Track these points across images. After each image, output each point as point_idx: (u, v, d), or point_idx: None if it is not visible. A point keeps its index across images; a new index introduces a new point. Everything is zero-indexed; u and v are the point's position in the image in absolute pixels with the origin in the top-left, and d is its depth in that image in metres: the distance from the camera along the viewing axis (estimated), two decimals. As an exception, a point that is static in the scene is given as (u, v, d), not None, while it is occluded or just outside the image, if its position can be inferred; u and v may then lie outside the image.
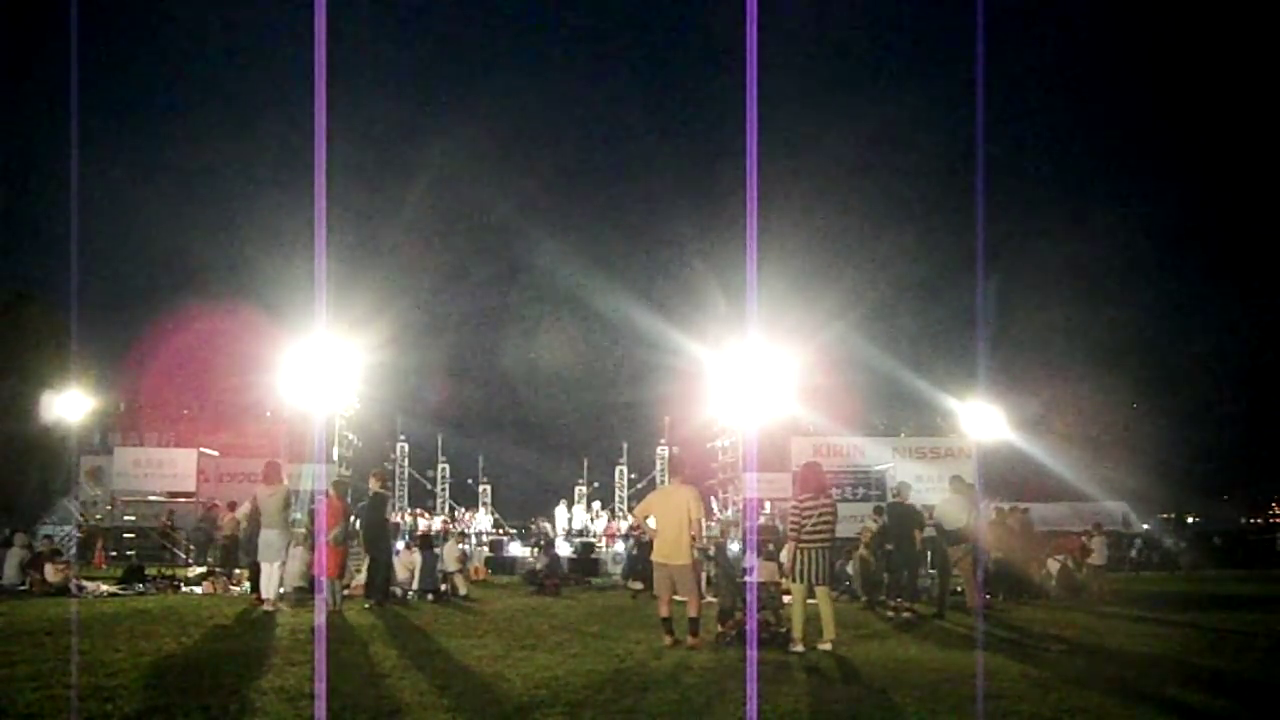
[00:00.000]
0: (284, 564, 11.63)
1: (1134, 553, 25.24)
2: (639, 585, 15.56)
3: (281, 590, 11.41)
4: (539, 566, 17.05)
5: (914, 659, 7.92)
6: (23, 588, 13.57)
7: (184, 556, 21.04)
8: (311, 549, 12.57)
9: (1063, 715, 5.66)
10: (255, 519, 12.39)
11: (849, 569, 15.00)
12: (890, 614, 11.98)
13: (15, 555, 14.24)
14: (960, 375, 28.38)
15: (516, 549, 25.45)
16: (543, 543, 21.37)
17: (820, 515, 8.71)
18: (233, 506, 17.09)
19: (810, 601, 8.66)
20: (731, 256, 34.18)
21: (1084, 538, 17.15)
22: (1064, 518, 23.46)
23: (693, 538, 8.73)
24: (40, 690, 5.89)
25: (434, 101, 59.09)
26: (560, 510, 30.12)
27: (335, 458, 25.31)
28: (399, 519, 26.06)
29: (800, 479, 9.24)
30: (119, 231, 40.98)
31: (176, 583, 14.90)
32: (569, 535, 26.74)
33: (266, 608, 10.94)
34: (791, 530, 8.86)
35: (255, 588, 12.36)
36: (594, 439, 38.27)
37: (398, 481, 33.99)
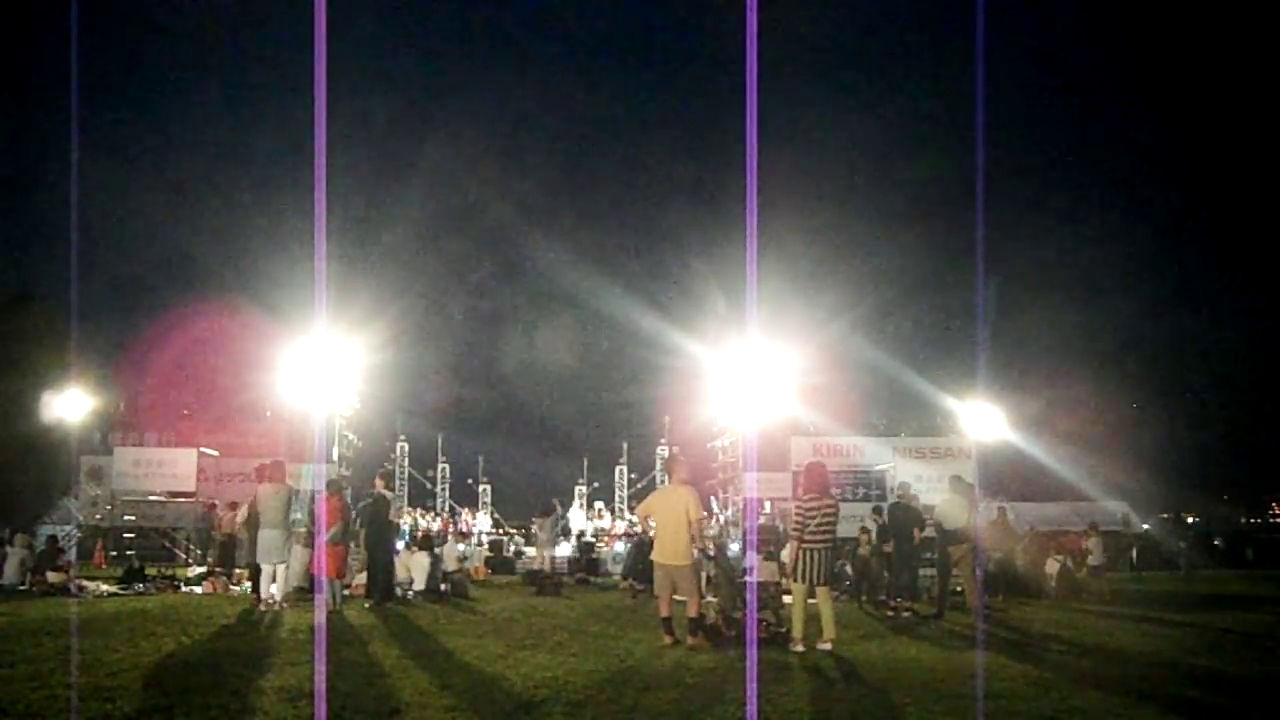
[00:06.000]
0: (286, 564, 11.65)
1: (1134, 552, 25.23)
2: (639, 585, 15.58)
3: (274, 592, 11.38)
4: (539, 565, 17.07)
5: (914, 659, 7.91)
6: (23, 588, 13.57)
7: (184, 557, 21.06)
8: (312, 548, 12.58)
9: (1062, 715, 5.66)
10: (255, 519, 12.38)
11: (849, 569, 15.01)
12: (890, 614, 11.98)
13: (16, 555, 14.25)
14: (960, 375, 28.36)
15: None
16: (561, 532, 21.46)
17: (824, 515, 8.71)
18: (233, 506, 17.08)
19: (810, 601, 8.66)
20: (731, 256, 34.18)
21: (1083, 538, 17.16)
22: (1064, 518, 23.44)
23: (692, 538, 8.74)
24: (40, 690, 5.89)
25: (434, 101, 59.08)
26: (574, 511, 30.26)
27: (335, 458, 25.31)
28: (401, 520, 26.06)
29: (804, 478, 9.23)
30: (119, 231, 40.99)
31: (176, 583, 14.91)
32: (581, 535, 26.76)
33: (262, 607, 10.94)
34: (795, 530, 8.85)
35: (255, 588, 12.37)
36: (594, 439, 38.29)
37: (398, 481, 34.01)
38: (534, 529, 19.52)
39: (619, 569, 19.72)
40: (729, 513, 28.37)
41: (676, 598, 8.86)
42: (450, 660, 7.55)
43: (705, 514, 9.09)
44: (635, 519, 27.86)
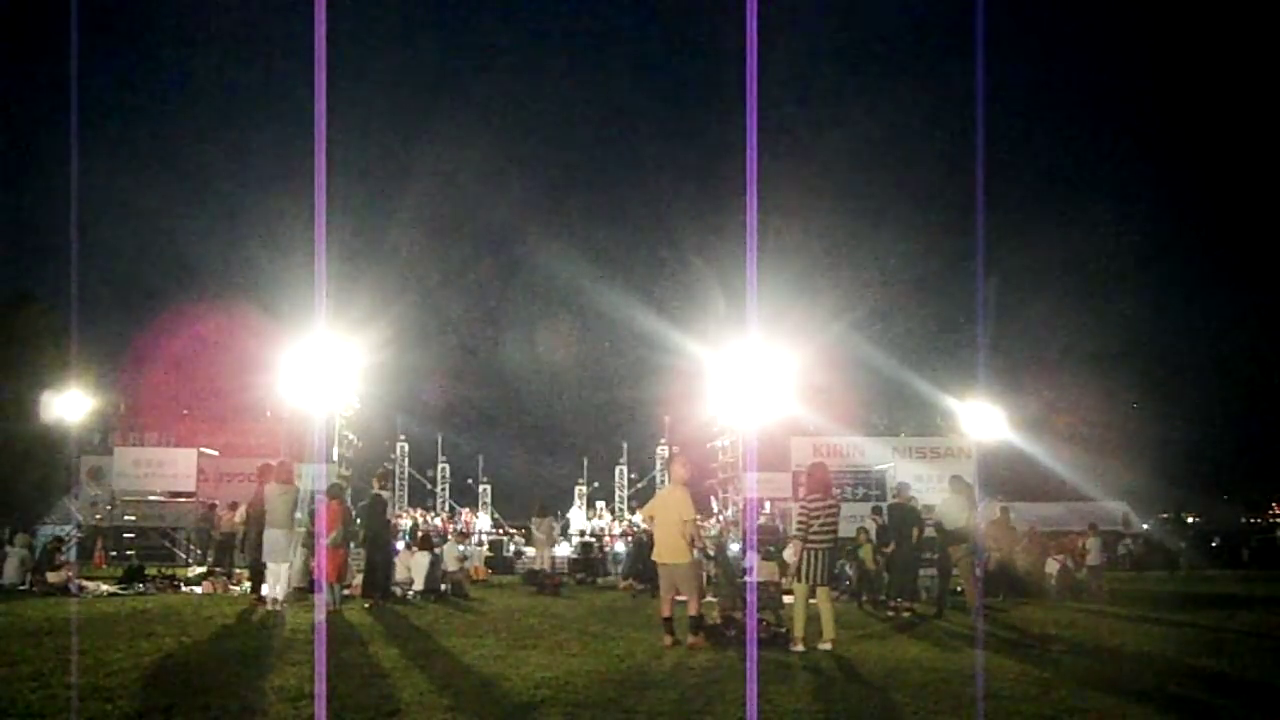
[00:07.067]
0: (290, 564, 11.68)
1: (1132, 551, 25.24)
2: (640, 585, 15.59)
3: (276, 591, 11.38)
4: (539, 565, 17.07)
5: (914, 659, 7.91)
6: (23, 588, 13.57)
7: (184, 557, 21.07)
8: (313, 549, 12.58)
9: (1062, 715, 5.66)
10: (258, 519, 12.37)
11: (849, 569, 15.01)
12: (890, 614, 11.99)
13: (16, 555, 14.24)
14: (960, 375, 28.40)
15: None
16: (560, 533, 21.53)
17: (827, 515, 8.73)
18: (233, 507, 17.07)
19: (810, 601, 8.66)
20: (731, 256, 34.16)
21: (1081, 539, 17.17)
22: (1064, 518, 23.46)
23: (691, 538, 8.77)
24: (40, 690, 5.89)
25: (434, 101, 59.04)
26: (574, 512, 30.30)
27: (335, 458, 25.31)
28: (400, 519, 26.07)
29: (807, 479, 9.24)
30: (119, 232, 40.96)
31: (176, 583, 14.91)
32: (581, 535, 26.78)
33: (270, 607, 10.94)
34: (798, 530, 8.86)
35: (255, 588, 12.37)
36: (594, 439, 38.30)
37: (398, 481, 34.02)
38: (533, 529, 19.53)
39: (619, 569, 19.70)
40: (729, 513, 28.37)
41: (678, 598, 8.89)
42: (450, 660, 7.55)
43: (697, 515, 9.13)
44: (635, 519, 27.93)
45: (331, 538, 11.51)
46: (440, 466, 37.02)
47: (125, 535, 22.72)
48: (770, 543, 17.95)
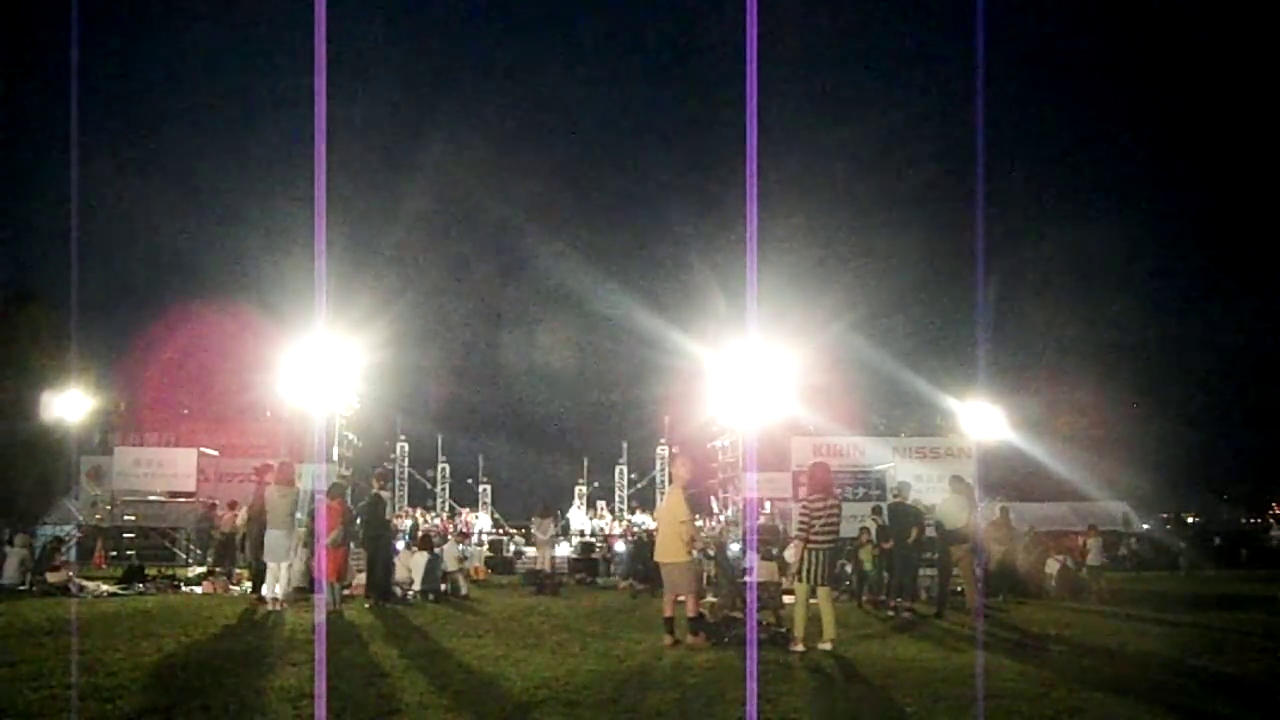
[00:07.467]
0: (290, 564, 11.70)
1: (1133, 551, 25.23)
2: (640, 585, 15.59)
3: (276, 591, 11.39)
4: (539, 565, 17.07)
5: (914, 659, 7.91)
6: (23, 588, 13.57)
7: (184, 557, 21.07)
8: (313, 549, 12.60)
9: (1062, 715, 5.65)
10: (259, 519, 12.39)
11: (849, 569, 15.01)
12: (890, 614, 11.99)
13: (16, 555, 14.24)
14: (960, 375, 28.37)
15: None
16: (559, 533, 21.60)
17: (829, 516, 8.73)
18: (233, 506, 17.08)
19: (810, 601, 8.67)
20: (731, 256, 34.17)
21: (1081, 539, 17.17)
22: (1064, 518, 23.45)
23: (691, 538, 8.82)
24: (40, 690, 5.89)
25: (434, 101, 59.06)
26: (573, 512, 30.29)
27: (335, 458, 25.31)
28: (401, 519, 26.07)
29: (808, 479, 9.26)
30: (119, 231, 41.02)
31: (176, 583, 14.91)
32: (581, 535, 26.79)
33: (270, 607, 10.95)
34: (800, 530, 8.86)
35: (256, 588, 12.38)
36: (594, 439, 38.33)
37: (398, 481, 34.02)
38: (533, 529, 19.52)
39: (619, 569, 19.70)
40: (729, 513, 28.37)
41: (679, 598, 8.91)
42: (450, 660, 7.55)
43: (695, 515, 9.22)
44: (635, 519, 27.95)
45: (331, 538, 11.53)
46: (440, 466, 37.04)
47: (125, 535, 22.71)
48: (770, 543, 17.93)
